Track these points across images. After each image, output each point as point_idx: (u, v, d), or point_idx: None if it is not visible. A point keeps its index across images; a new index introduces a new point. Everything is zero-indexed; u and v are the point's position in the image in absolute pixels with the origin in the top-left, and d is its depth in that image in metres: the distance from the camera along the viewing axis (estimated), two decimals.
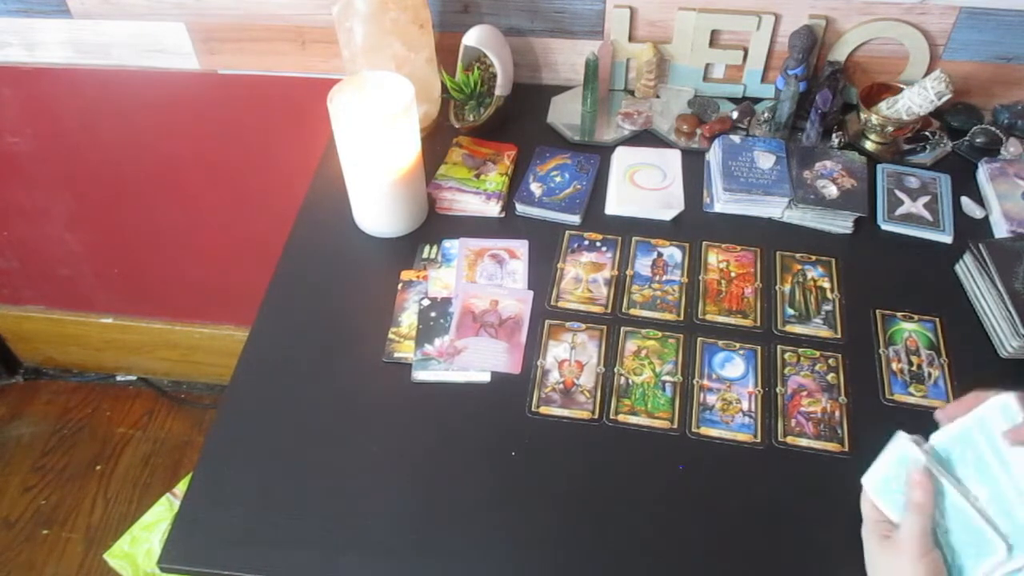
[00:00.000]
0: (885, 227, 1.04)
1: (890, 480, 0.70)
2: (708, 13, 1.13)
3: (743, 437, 0.85)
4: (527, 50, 1.22)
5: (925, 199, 1.07)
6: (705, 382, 0.90)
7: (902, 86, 1.10)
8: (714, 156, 1.11)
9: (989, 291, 0.93)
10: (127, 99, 1.39)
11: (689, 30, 1.15)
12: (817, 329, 0.94)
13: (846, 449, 0.84)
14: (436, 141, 1.15)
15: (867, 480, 0.73)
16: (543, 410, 0.88)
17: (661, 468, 0.83)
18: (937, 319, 0.95)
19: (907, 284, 0.98)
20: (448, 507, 0.80)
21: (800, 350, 0.92)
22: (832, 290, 0.98)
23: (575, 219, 1.06)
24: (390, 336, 0.94)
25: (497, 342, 0.93)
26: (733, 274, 1.00)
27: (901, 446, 0.70)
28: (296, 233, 1.06)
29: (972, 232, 1.03)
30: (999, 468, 0.65)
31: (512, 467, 0.83)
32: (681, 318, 0.95)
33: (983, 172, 1.09)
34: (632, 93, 1.23)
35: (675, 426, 0.86)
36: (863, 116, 1.11)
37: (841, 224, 1.04)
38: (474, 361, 0.91)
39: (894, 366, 0.91)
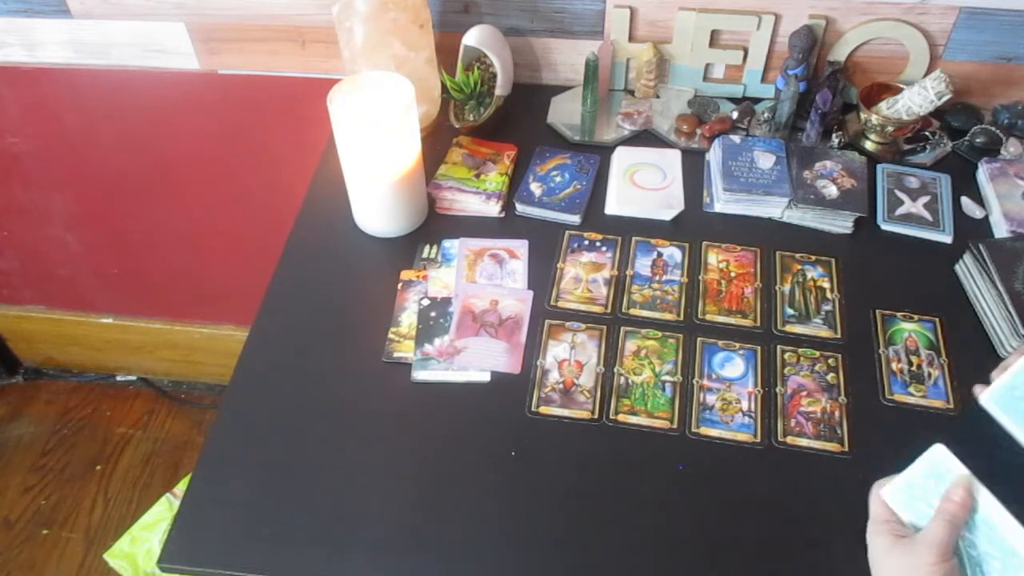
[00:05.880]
0: (885, 227, 1.04)
1: (914, 487, 0.67)
2: (708, 13, 1.13)
3: (743, 437, 0.85)
4: (527, 50, 1.22)
5: (925, 199, 1.06)
6: (705, 382, 0.89)
7: (902, 86, 1.10)
8: (714, 156, 1.11)
9: (989, 291, 0.93)
10: (127, 99, 1.39)
11: (689, 30, 1.15)
12: (817, 329, 0.94)
13: (846, 449, 0.84)
14: (436, 141, 1.15)
15: (886, 484, 0.70)
16: (543, 410, 0.88)
17: (661, 468, 0.83)
18: (937, 319, 0.95)
19: (907, 284, 0.98)
20: (448, 507, 0.80)
21: (800, 350, 0.92)
22: (832, 290, 0.98)
23: (575, 219, 1.06)
24: (390, 336, 0.94)
25: (497, 342, 0.93)
26: (733, 274, 1.00)
27: (939, 458, 0.67)
28: (296, 233, 1.06)
29: (972, 232, 1.02)
30: None
31: (512, 467, 0.83)
32: (681, 318, 0.95)
33: (983, 172, 1.09)
34: (632, 93, 1.23)
35: (675, 426, 0.86)
36: (863, 116, 1.11)
37: (841, 224, 1.04)
38: (474, 361, 0.91)
39: (894, 366, 0.91)
